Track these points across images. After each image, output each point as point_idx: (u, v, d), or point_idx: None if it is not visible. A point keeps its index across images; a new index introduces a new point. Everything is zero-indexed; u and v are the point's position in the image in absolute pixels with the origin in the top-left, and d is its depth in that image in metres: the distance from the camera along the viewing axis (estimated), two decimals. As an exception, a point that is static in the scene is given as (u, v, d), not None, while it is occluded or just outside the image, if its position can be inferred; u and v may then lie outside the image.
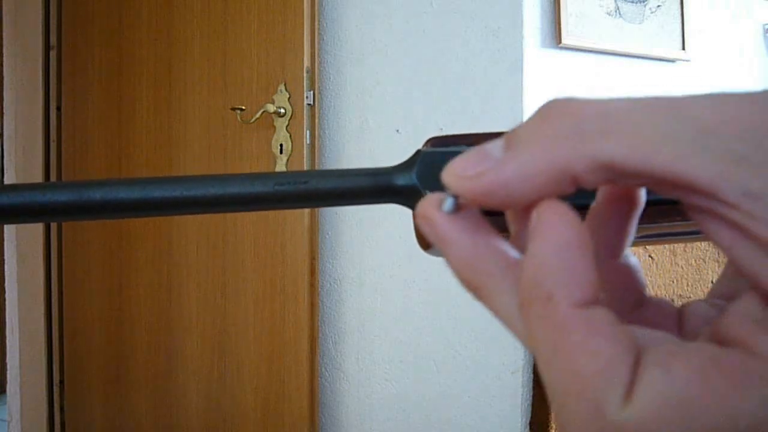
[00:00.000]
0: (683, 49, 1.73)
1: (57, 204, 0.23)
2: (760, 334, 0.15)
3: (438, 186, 0.23)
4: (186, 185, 0.24)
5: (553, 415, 1.32)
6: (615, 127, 0.15)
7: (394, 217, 1.44)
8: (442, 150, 0.26)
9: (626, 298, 0.20)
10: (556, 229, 0.16)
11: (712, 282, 1.33)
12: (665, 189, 0.15)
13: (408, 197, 0.26)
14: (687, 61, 1.76)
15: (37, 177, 1.90)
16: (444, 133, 1.32)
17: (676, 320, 0.20)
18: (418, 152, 0.26)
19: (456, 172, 0.18)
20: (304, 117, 1.46)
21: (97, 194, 0.23)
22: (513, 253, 0.18)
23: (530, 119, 0.17)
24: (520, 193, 0.16)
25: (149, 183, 0.24)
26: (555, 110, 0.16)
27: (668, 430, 0.14)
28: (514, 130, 0.17)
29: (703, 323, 0.20)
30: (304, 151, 1.47)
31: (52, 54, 1.90)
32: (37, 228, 1.89)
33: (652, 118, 0.14)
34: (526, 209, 0.17)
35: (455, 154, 0.23)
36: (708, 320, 0.20)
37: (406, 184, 0.25)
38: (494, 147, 0.17)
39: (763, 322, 0.15)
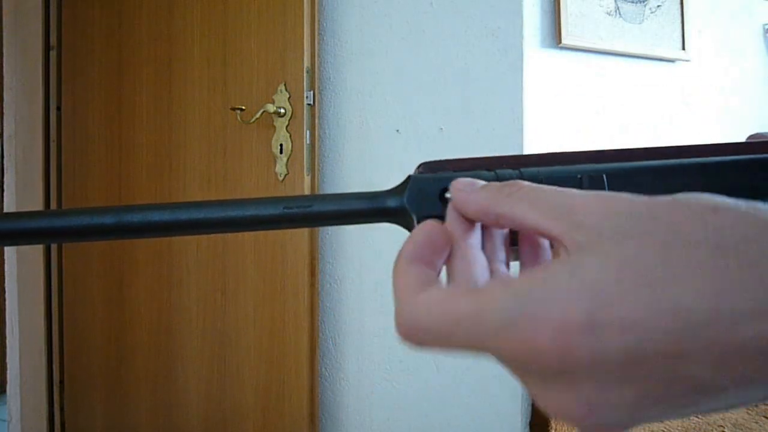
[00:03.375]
0: (683, 49, 1.73)
1: (103, 226, 0.27)
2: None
3: (424, 208, 0.30)
4: (208, 209, 0.28)
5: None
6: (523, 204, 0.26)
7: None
8: (429, 176, 0.30)
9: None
10: (418, 231, 0.27)
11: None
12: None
13: (399, 218, 0.30)
14: (687, 61, 1.76)
15: (37, 177, 1.90)
16: (443, 132, 1.31)
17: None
18: (409, 177, 0.30)
19: (458, 183, 0.29)
20: (304, 117, 1.46)
21: (136, 218, 0.27)
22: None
23: (491, 186, 0.28)
24: (471, 214, 0.28)
25: (177, 207, 0.28)
26: (509, 188, 0.27)
27: (427, 323, 0.24)
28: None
29: None
30: (304, 151, 1.47)
31: (52, 54, 1.90)
32: (37, 228, 1.88)
33: (545, 202, 0.25)
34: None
35: (441, 179, 0.30)
36: None
37: (397, 206, 0.30)
38: (478, 182, 0.28)
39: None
